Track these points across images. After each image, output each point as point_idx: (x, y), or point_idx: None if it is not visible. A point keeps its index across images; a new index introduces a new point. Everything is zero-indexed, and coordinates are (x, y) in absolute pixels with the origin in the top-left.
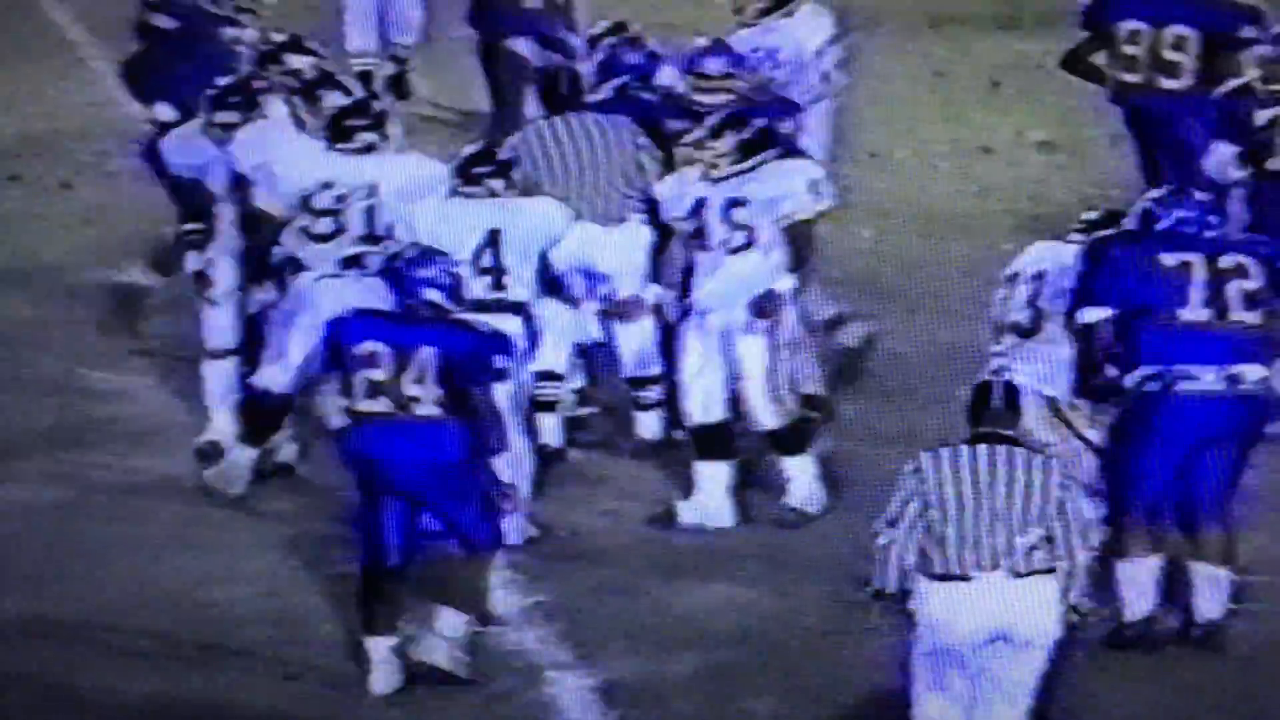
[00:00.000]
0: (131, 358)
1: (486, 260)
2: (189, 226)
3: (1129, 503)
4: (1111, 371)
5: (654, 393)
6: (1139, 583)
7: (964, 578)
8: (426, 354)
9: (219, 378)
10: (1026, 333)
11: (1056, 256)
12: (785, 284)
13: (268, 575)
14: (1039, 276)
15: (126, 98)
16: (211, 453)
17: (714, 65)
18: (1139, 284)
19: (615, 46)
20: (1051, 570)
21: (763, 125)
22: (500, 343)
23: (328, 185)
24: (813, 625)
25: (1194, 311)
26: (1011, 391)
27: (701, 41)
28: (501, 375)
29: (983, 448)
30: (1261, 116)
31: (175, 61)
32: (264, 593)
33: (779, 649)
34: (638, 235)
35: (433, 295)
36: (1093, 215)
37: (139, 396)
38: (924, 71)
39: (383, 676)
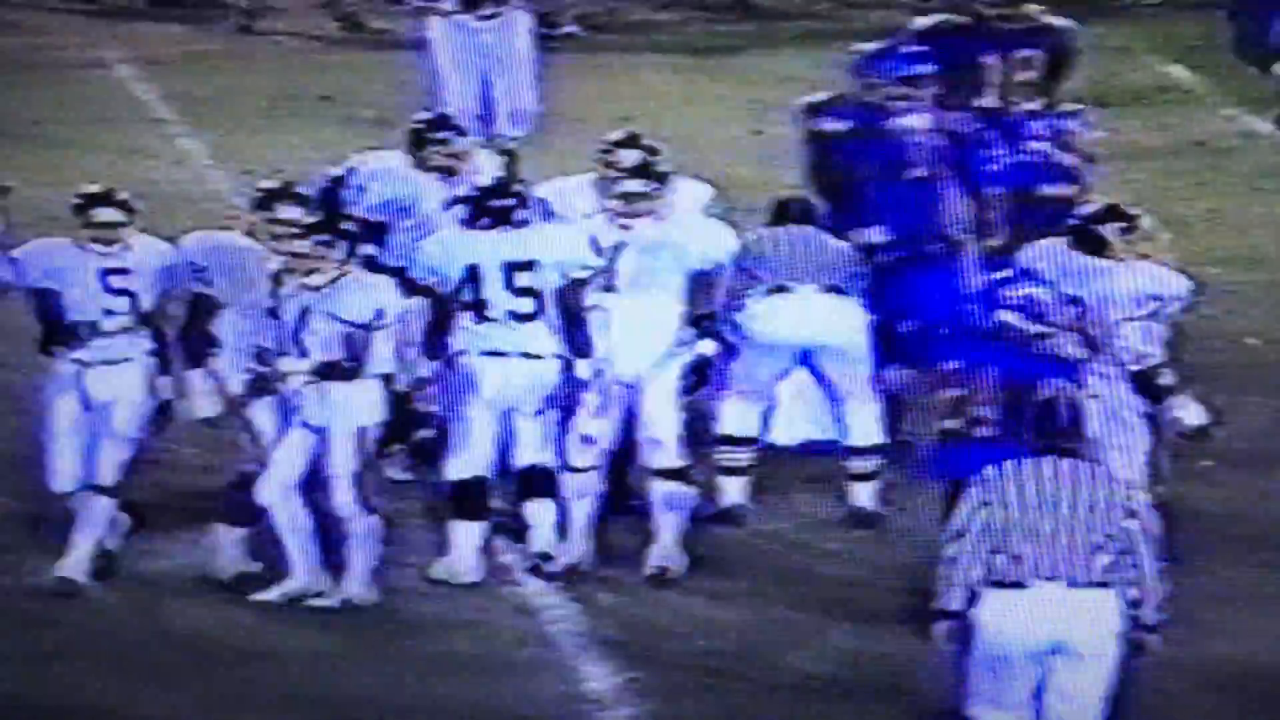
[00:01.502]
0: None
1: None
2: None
3: None
4: None
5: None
6: None
7: (1020, 585)
8: (992, 374)
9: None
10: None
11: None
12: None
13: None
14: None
15: (214, 176)
16: (69, 591)
17: None
18: None
19: None
20: (1113, 585)
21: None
22: (1065, 368)
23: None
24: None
25: None
26: (1075, 407)
27: None
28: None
29: (1047, 459)
30: None
31: (855, 165)
32: None
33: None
34: None
35: (1008, 317)
36: (1087, 210)
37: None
38: None
39: None
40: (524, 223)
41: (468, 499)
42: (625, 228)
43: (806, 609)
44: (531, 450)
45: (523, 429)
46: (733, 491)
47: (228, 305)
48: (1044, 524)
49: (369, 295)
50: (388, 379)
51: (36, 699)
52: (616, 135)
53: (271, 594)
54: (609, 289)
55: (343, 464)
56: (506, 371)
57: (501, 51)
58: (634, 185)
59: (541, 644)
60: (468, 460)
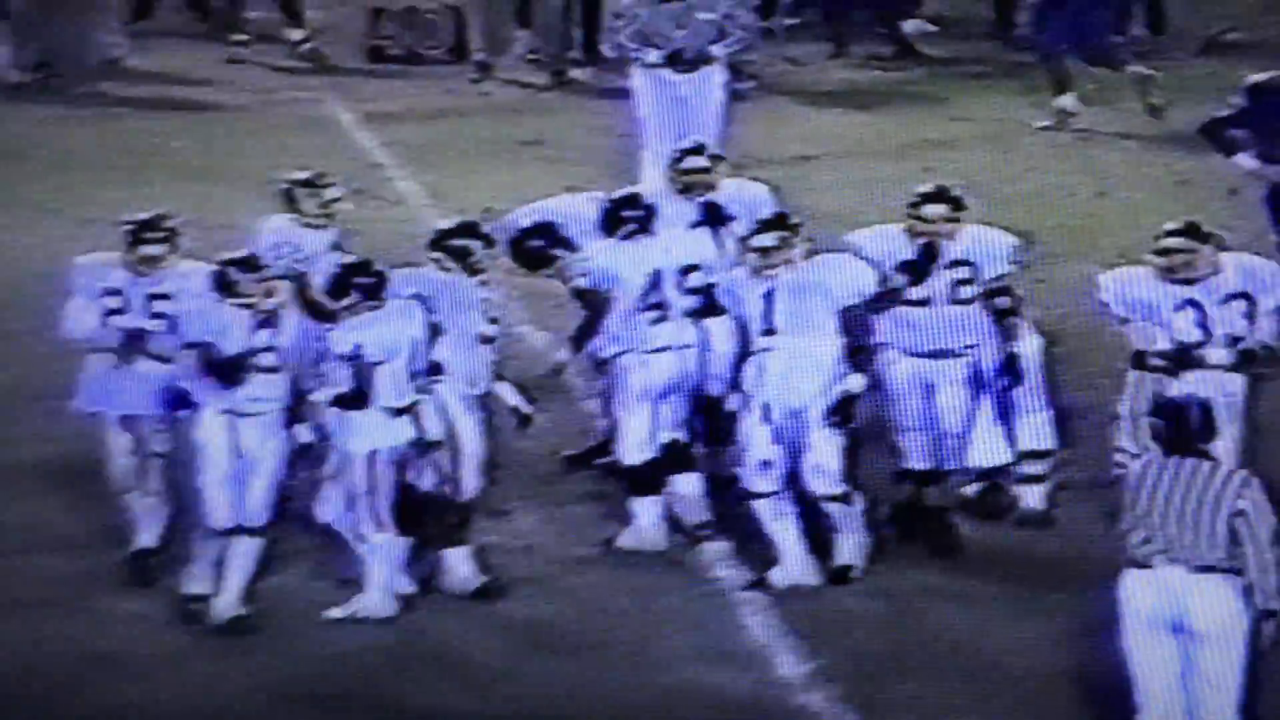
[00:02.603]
0: None
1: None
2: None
3: None
4: None
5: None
6: None
7: (1146, 565)
8: None
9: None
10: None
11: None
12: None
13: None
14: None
15: (430, 216)
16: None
17: None
18: None
19: None
20: (1231, 571)
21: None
22: None
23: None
24: (1082, 690)
25: None
26: (1208, 412)
27: None
28: None
29: (1174, 458)
30: None
31: None
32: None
33: (1057, 709)
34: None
35: None
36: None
37: None
38: (1168, 181)
39: None
40: (654, 232)
41: (644, 479)
42: (769, 275)
43: (980, 602)
44: (673, 428)
45: (671, 412)
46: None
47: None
48: (1170, 515)
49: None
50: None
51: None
52: (925, 188)
53: (339, 611)
54: (769, 331)
55: (360, 484)
56: (672, 362)
57: (697, 103)
58: (768, 239)
59: (738, 635)
60: (644, 445)
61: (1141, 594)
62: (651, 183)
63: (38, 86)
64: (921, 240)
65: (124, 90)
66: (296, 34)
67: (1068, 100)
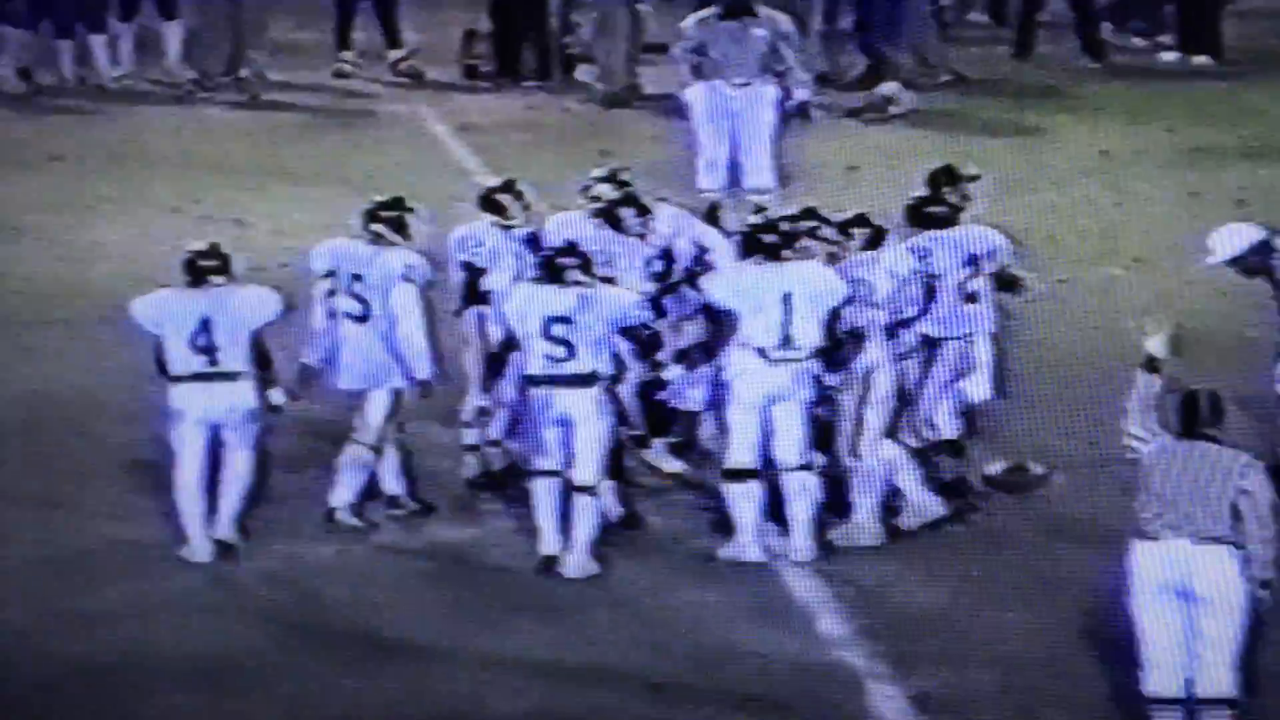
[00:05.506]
0: None
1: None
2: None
3: None
4: None
5: None
6: None
7: (1155, 538)
8: None
9: None
10: None
11: None
12: None
13: None
14: None
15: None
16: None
17: None
18: None
19: None
20: (1232, 544)
21: None
22: None
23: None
24: (1092, 648)
25: None
26: (1216, 400)
27: None
28: None
29: (1185, 442)
30: None
31: None
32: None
33: (1069, 666)
34: None
35: None
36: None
37: None
38: (1182, 194)
39: None
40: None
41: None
42: None
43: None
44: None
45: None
46: None
47: None
48: (1179, 493)
49: None
50: None
51: None
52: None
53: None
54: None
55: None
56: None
57: (748, 117)
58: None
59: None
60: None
61: (1150, 563)
62: (709, 188)
63: (172, 96)
64: None
65: (239, 99)
66: (394, 53)
67: (889, 88)
